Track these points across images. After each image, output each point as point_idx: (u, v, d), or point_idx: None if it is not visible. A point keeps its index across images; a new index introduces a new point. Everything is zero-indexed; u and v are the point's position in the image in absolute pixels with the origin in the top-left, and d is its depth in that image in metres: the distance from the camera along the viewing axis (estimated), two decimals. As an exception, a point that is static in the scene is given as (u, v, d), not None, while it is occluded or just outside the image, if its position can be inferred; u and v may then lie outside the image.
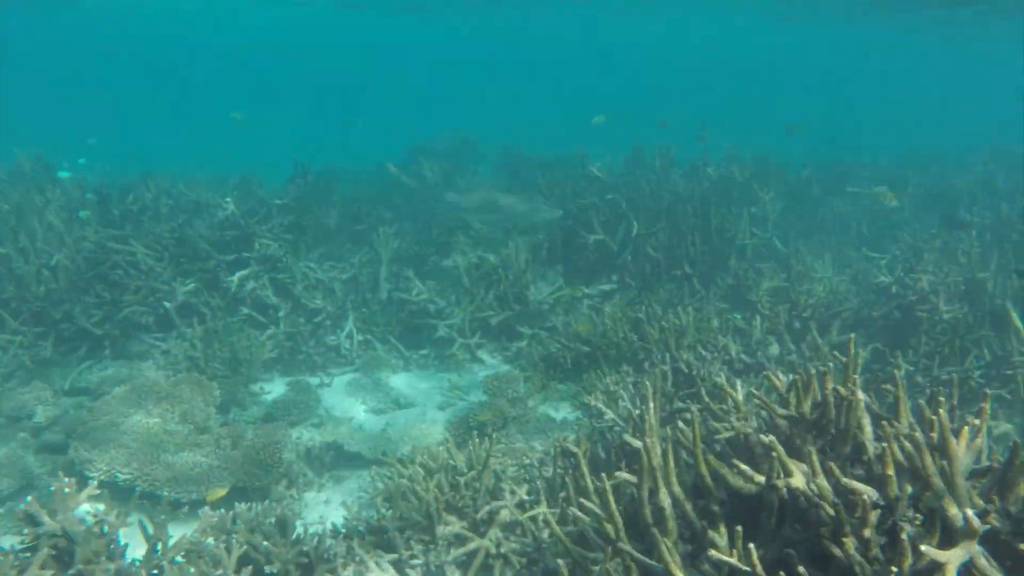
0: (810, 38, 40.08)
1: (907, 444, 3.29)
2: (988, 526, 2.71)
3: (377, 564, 4.94)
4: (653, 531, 3.70)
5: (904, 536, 3.02)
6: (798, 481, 3.54)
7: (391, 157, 15.00)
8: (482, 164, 13.69)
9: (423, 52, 56.03)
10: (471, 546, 4.95)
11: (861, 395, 3.86)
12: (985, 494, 3.37)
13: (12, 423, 7.37)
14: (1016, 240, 9.06)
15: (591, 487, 4.23)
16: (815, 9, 27.22)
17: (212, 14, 39.33)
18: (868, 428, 3.78)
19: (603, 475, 4.00)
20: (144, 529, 4.60)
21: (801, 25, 33.53)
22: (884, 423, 3.70)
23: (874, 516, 3.13)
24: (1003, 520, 3.26)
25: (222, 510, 5.14)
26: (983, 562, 2.65)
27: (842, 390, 3.78)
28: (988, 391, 3.79)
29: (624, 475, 4.28)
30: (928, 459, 2.79)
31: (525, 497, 5.01)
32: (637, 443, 4.52)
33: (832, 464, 3.47)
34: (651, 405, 4.52)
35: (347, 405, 8.28)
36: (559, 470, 5.25)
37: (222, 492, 6.08)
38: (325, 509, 6.51)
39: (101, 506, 4.68)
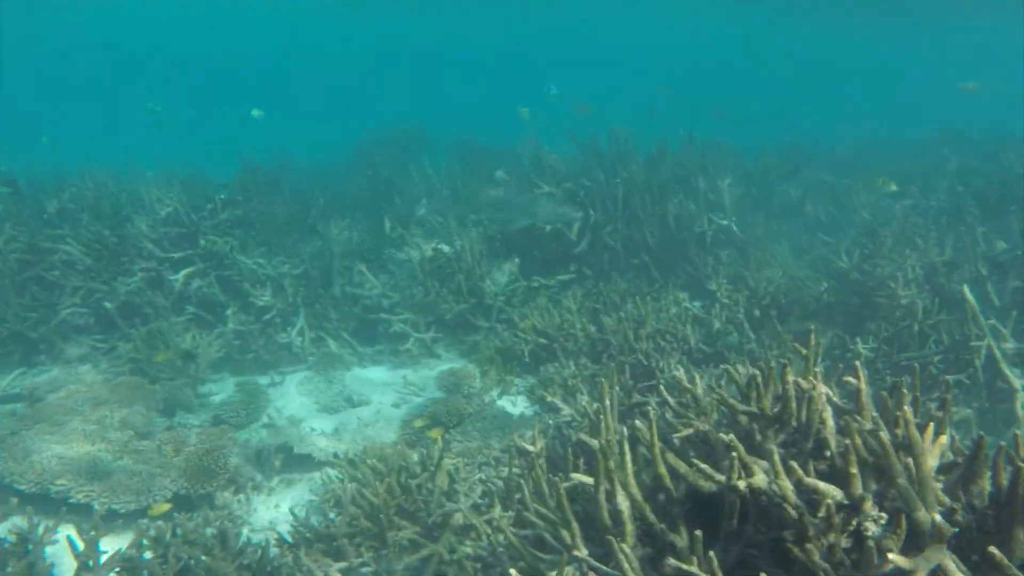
0: (772, 28, 40.32)
1: (871, 440, 3.16)
2: (956, 529, 2.57)
3: (326, 574, 4.72)
4: (609, 539, 3.52)
5: (870, 542, 2.88)
6: (759, 481, 3.39)
7: (342, 149, 14.68)
8: (435, 154, 13.42)
9: (373, 43, 55.18)
10: (424, 552, 4.74)
11: (823, 388, 3.72)
12: (950, 490, 3.26)
13: (-61, 434, 6.99)
14: (969, 223, 9.06)
15: (546, 490, 4.04)
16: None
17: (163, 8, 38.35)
18: (831, 422, 3.65)
19: (558, 479, 3.81)
20: (73, 545, 4.31)
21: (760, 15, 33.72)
22: (847, 418, 3.57)
23: (839, 519, 2.98)
24: (968, 515, 3.15)
25: (160, 522, 4.87)
26: (952, 567, 2.52)
27: (803, 383, 3.63)
28: (950, 380, 3.67)
29: (580, 477, 4.10)
30: (895, 460, 2.64)
31: (479, 501, 4.80)
32: (594, 443, 4.35)
33: (794, 463, 3.32)
34: (607, 403, 4.35)
35: (299, 405, 8.00)
36: (515, 470, 5.05)
37: (166, 507, 5.78)
38: (275, 514, 6.25)
39: (23, 522, 4.37)
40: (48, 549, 4.30)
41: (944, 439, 3.08)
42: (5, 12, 31.59)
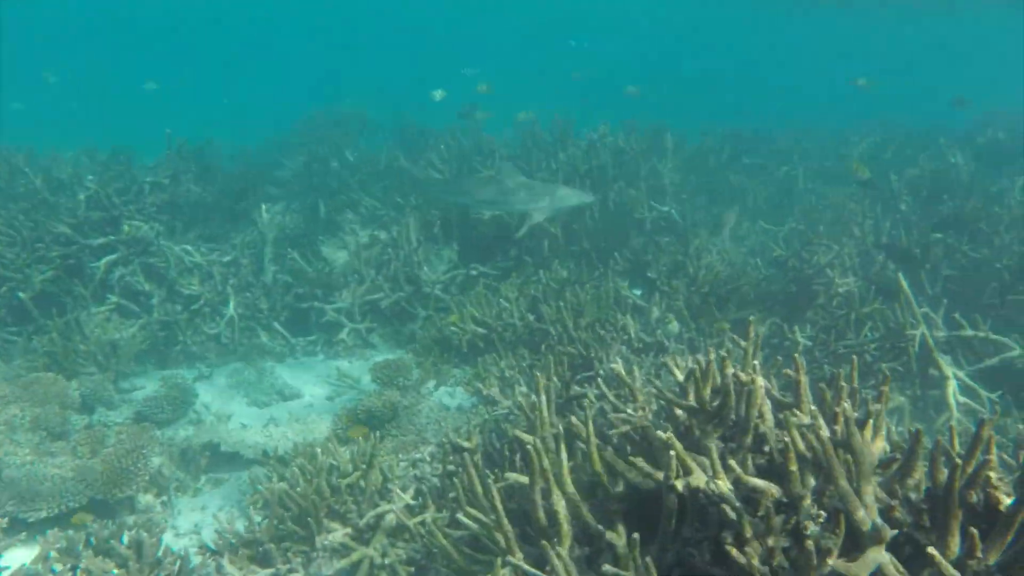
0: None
1: (810, 437, 3.08)
2: (896, 531, 2.49)
3: (250, 581, 4.49)
4: (544, 544, 3.38)
5: (810, 545, 2.79)
6: (698, 480, 3.29)
7: (276, 131, 14.22)
8: (374, 136, 13.07)
9: (308, 22, 53.76)
10: (354, 557, 4.55)
11: (761, 381, 3.64)
12: (888, 484, 3.20)
13: None
14: (904, 210, 9.19)
15: (480, 490, 3.89)
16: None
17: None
18: (769, 416, 3.57)
19: (491, 479, 3.65)
20: (-29, 560, 4.01)
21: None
22: (786, 413, 3.49)
23: (778, 521, 2.89)
24: (906, 511, 3.10)
25: (70, 531, 4.57)
26: (892, 570, 2.44)
27: (742, 376, 3.53)
28: (888, 373, 3.63)
29: (515, 477, 3.96)
30: (835, 460, 2.55)
31: (411, 502, 4.62)
32: (529, 438, 4.21)
33: (733, 461, 3.22)
34: (543, 398, 4.21)
35: (228, 399, 7.70)
36: (450, 467, 4.88)
37: (88, 517, 5.44)
38: (200, 517, 5.96)
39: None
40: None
41: (882, 437, 3.02)
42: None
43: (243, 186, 11.03)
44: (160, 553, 4.43)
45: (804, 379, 3.57)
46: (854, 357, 3.76)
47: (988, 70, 45.15)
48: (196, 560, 4.56)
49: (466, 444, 5.01)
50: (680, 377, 3.95)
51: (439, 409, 6.77)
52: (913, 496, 3.17)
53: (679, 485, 3.27)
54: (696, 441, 3.65)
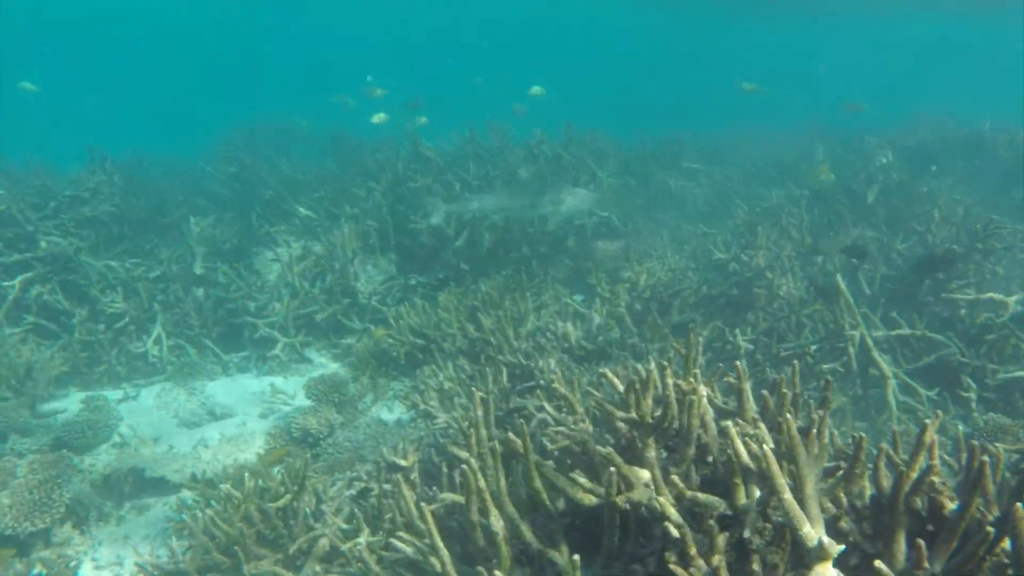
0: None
1: (754, 447, 2.97)
2: (843, 547, 2.39)
3: (172, 618, 4.22)
4: (480, 570, 3.21)
5: (756, 561, 2.68)
6: (639, 495, 3.15)
7: (207, 142, 13.79)
8: (307, 147, 12.74)
9: (238, 33, 52.68)
10: (284, 586, 4.30)
11: (703, 390, 3.53)
12: (832, 493, 3.12)
13: None
14: (840, 212, 9.27)
15: (415, 512, 3.69)
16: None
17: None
18: (712, 426, 3.46)
19: (424, 505, 3.46)
20: None
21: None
22: (728, 423, 3.38)
23: (722, 539, 2.76)
24: (852, 520, 3.01)
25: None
26: (841, 588, 2.33)
27: (683, 385, 3.42)
28: (830, 379, 3.55)
29: (451, 497, 3.78)
30: (778, 475, 2.43)
31: (345, 526, 4.39)
32: (465, 455, 4.04)
33: (675, 476, 3.10)
34: (479, 413, 4.04)
35: (155, 420, 7.33)
36: (386, 486, 4.67)
37: (8, 552, 5.08)
38: (122, 548, 5.62)
39: None
40: None
41: (827, 446, 2.92)
42: None
43: (172, 198, 10.62)
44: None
45: (746, 386, 3.47)
46: (795, 363, 3.68)
47: (921, 74, 46.66)
48: (114, 597, 4.26)
49: (402, 462, 4.81)
50: (620, 388, 3.82)
51: (377, 424, 6.54)
52: (858, 503, 3.10)
53: (620, 502, 3.13)
54: (638, 454, 3.51)
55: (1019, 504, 2.03)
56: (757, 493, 3.09)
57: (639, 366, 3.92)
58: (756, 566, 2.70)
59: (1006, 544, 2.67)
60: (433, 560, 3.52)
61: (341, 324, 8.33)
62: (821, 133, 15.59)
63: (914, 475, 2.85)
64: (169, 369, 8.14)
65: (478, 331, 6.94)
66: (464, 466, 3.43)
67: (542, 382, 5.65)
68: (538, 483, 3.52)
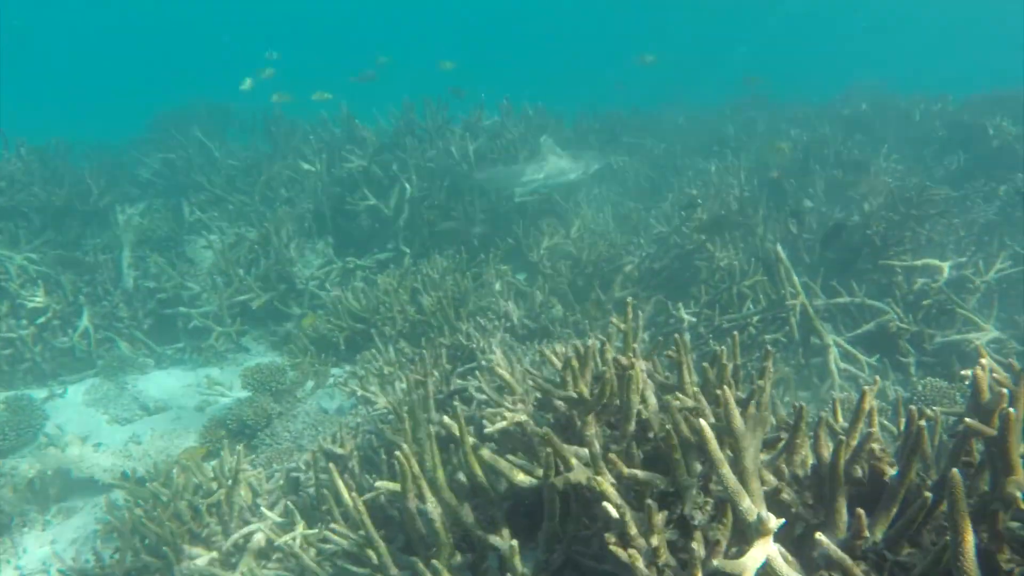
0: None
1: (693, 421, 2.90)
2: (783, 521, 2.32)
3: (100, 624, 4.02)
4: (414, 560, 3.09)
5: (697, 538, 2.61)
6: (578, 475, 3.06)
7: (135, 126, 13.28)
8: (240, 129, 12.32)
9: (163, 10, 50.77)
10: (218, 585, 4.13)
11: (642, 365, 3.45)
12: (774, 464, 3.07)
13: None
14: (780, 183, 9.30)
15: (348, 503, 3.55)
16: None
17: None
18: (653, 401, 3.38)
19: (355, 495, 3.32)
20: None
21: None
22: (668, 397, 3.31)
23: (661, 518, 2.69)
24: (793, 491, 2.97)
25: None
26: (780, 563, 2.26)
27: (623, 360, 3.33)
28: (770, 348, 3.50)
29: (387, 485, 3.64)
30: (717, 451, 2.35)
31: (279, 519, 4.23)
32: (400, 440, 3.91)
33: (614, 455, 3.02)
34: (414, 396, 3.91)
35: (84, 419, 7.02)
36: (322, 476, 4.51)
37: None
38: (51, 552, 5.37)
39: None
40: None
41: (767, 416, 2.86)
42: None
43: (98, 187, 10.16)
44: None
45: (686, 359, 3.40)
46: (735, 334, 3.62)
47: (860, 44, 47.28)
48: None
49: (339, 450, 4.66)
50: (558, 365, 3.72)
51: (317, 413, 6.36)
52: (800, 473, 3.06)
53: (559, 483, 3.04)
54: (578, 432, 3.42)
55: (955, 470, 1.98)
56: (699, 468, 3.03)
57: (578, 343, 3.82)
58: (697, 543, 2.63)
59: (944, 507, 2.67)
60: (369, 552, 3.39)
61: (279, 311, 8.09)
62: (758, 107, 15.69)
63: (853, 443, 2.82)
64: (99, 364, 7.82)
65: (419, 313, 6.79)
66: (398, 453, 3.30)
67: (483, 363, 5.54)
68: (476, 467, 3.41)
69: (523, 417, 3.54)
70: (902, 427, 3.51)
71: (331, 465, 3.63)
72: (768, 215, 7.75)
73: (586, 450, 3.26)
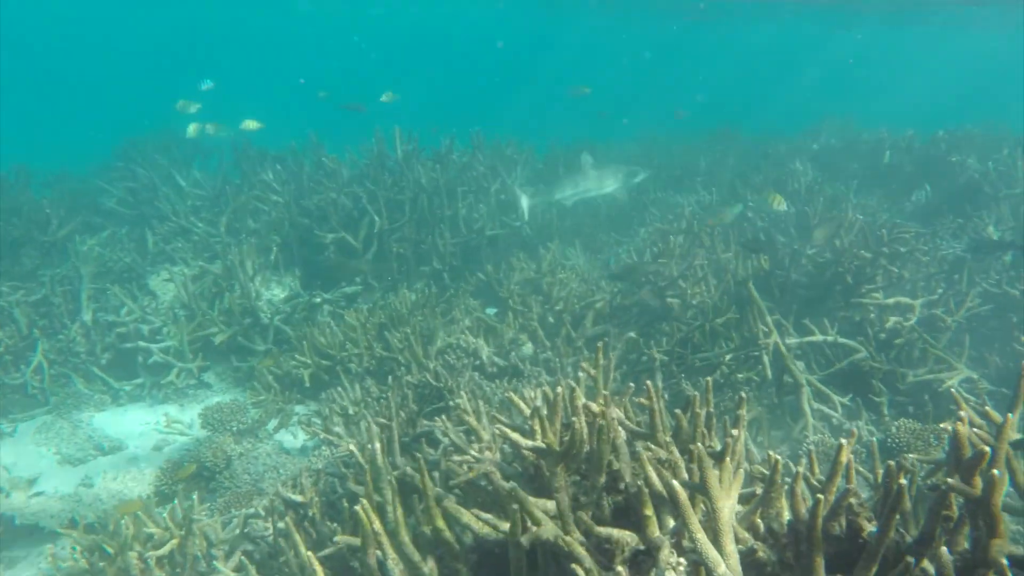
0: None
1: (666, 476, 2.78)
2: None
3: None
4: (372, 626, 2.92)
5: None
6: (546, 532, 2.92)
7: (97, 154, 13.04)
8: (209, 159, 12.12)
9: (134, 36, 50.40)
10: (167, 644, 3.91)
11: (613, 412, 3.33)
12: (749, 520, 2.95)
13: None
14: (751, 217, 9.30)
15: (305, 559, 3.37)
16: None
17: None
18: (624, 450, 3.26)
19: (310, 554, 3.15)
20: None
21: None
22: (640, 447, 3.19)
23: (633, 583, 2.55)
24: (769, 548, 2.85)
25: None
26: (760, 632, 2.14)
27: (593, 407, 3.21)
28: (744, 395, 3.40)
29: (347, 539, 3.47)
30: (692, 517, 2.22)
31: (233, 575, 4.02)
32: (361, 491, 3.73)
33: (583, 514, 2.88)
34: (376, 445, 3.74)
35: (33, 458, 6.73)
36: (280, 525, 4.31)
37: None
38: (-11, 607, 5.09)
39: None
40: None
41: (743, 472, 2.75)
42: None
43: (58, 216, 9.90)
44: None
45: (658, 407, 3.28)
46: (708, 380, 3.50)
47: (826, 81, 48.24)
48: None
49: (299, 498, 4.46)
50: (526, 412, 3.59)
51: (278, 453, 6.15)
52: (775, 526, 2.94)
53: (524, 541, 2.90)
54: (547, 483, 3.28)
55: (945, 551, 1.87)
56: (672, 523, 2.90)
57: (547, 388, 3.69)
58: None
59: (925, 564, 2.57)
60: (325, 613, 3.21)
61: (243, 346, 7.87)
62: (734, 139, 15.80)
63: (831, 499, 2.71)
64: (52, 401, 7.53)
65: (386, 350, 6.63)
66: (357, 508, 3.13)
67: (451, 404, 5.38)
68: (440, 521, 3.25)
69: (489, 468, 3.39)
70: (879, 476, 3.42)
71: (288, 519, 3.45)
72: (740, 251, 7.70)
73: (554, 504, 3.13)
